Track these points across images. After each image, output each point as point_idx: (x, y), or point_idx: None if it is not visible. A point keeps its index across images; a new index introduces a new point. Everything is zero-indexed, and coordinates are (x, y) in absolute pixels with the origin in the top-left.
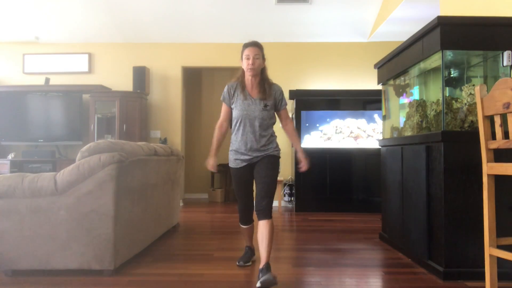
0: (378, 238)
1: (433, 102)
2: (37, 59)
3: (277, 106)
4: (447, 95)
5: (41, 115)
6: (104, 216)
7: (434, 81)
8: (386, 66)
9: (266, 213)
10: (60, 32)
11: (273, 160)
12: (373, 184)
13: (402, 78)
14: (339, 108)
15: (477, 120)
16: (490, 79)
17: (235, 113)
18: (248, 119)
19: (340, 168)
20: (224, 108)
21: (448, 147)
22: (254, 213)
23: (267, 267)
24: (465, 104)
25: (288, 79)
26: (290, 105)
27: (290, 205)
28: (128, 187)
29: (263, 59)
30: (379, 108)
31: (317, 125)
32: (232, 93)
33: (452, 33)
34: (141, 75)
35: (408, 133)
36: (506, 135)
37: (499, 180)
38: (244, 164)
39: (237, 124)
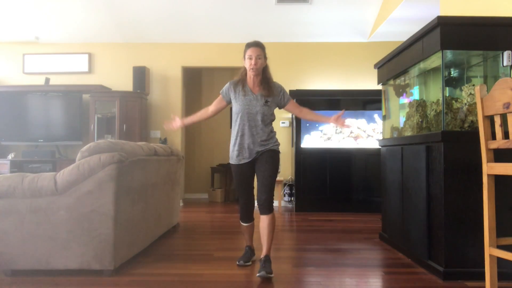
0: (378, 238)
1: (433, 102)
2: (37, 59)
3: (281, 102)
4: (447, 95)
5: (41, 115)
6: (104, 216)
7: (434, 81)
8: (386, 66)
9: (267, 208)
10: (60, 32)
11: (274, 155)
12: (373, 184)
13: (402, 78)
14: (339, 108)
15: (477, 120)
16: (490, 79)
17: (235, 108)
18: (249, 113)
19: (340, 168)
20: (218, 99)
21: (448, 147)
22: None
23: (266, 259)
24: (465, 104)
25: (288, 79)
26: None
27: (290, 205)
28: (128, 187)
29: (265, 58)
30: (379, 108)
31: (317, 125)
32: (234, 89)
33: (452, 33)
34: (141, 75)
35: (408, 133)
36: (506, 135)
37: (499, 180)
38: (246, 161)
39: (237, 120)
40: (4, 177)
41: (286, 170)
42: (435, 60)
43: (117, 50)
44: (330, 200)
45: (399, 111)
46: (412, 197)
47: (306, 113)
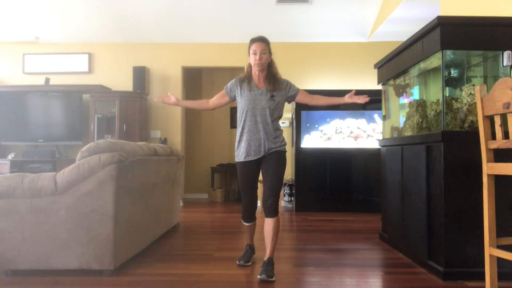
0: (378, 238)
1: (433, 102)
2: (37, 59)
3: (289, 94)
4: (447, 95)
5: (41, 115)
6: (104, 216)
7: (434, 81)
8: (386, 66)
9: (273, 211)
10: (60, 32)
11: (281, 157)
12: (373, 184)
13: (402, 78)
14: (339, 108)
15: (477, 120)
16: (490, 79)
17: (241, 104)
18: (255, 109)
19: (340, 168)
20: (221, 94)
21: (448, 147)
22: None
23: (269, 262)
24: (465, 104)
25: (288, 79)
26: (291, 105)
27: (290, 205)
28: (128, 187)
29: (270, 54)
30: (379, 108)
31: (317, 125)
32: (239, 85)
33: (452, 33)
34: (141, 75)
35: (408, 133)
36: (506, 135)
37: (499, 180)
38: (252, 158)
39: (243, 116)
40: (4, 177)
41: (286, 170)
42: (435, 60)
43: (117, 50)
44: (330, 200)
45: (399, 111)
46: (412, 197)
47: (318, 99)
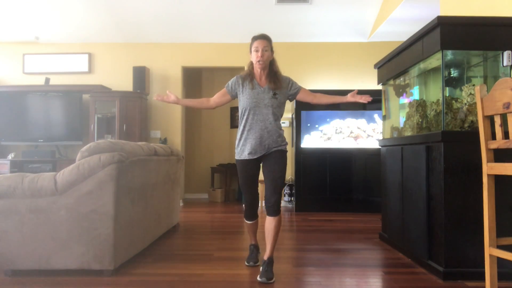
0: (378, 238)
1: (433, 102)
2: (37, 59)
3: (291, 93)
4: (447, 95)
5: (41, 115)
6: (104, 216)
7: (434, 81)
8: (386, 66)
9: (275, 210)
10: (60, 32)
11: (283, 156)
12: (373, 184)
13: (402, 78)
14: (339, 108)
15: (477, 120)
16: (490, 79)
17: (242, 103)
18: (257, 107)
19: (340, 168)
20: (222, 92)
21: (448, 147)
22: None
23: (269, 262)
24: (465, 104)
25: None
26: (290, 105)
27: (290, 205)
28: (128, 187)
29: (272, 51)
30: (379, 108)
31: (317, 125)
32: (241, 83)
33: (452, 33)
34: (141, 75)
35: (408, 133)
36: (506, 135)
37: (499, 180)
38: (253, 156)
39: (245, 114)
40: (4, 177)
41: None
42: (435, 60)
43: (117, 50)
44: (330, 200)
45: (399, 111)
46: (412, 197)
47: (320, 98)
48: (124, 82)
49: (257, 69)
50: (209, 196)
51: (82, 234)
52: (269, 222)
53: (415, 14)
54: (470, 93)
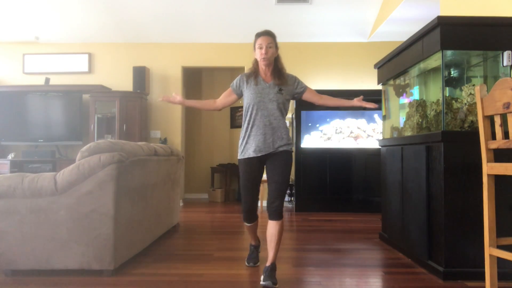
0: (378, 238)
1: (433, 102)
2: (37, 59)
3: (297, 91)
4: (447, 95)
5: (41, 115)
6: (104, 216)
7: (434, 81)
8: (386, 66)
9: (278, 214)
10: (60, 32)
11: (288, 157)
12: (373, 184)
13: (402, 78)
14: (339, 108)
15: (477, 120)
16: (490, 79)
17: (247, 99)
18: (262, 102)
19: (340, 168)
20: (228, 92)
21: (448, 147)
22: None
23: (272, 268)
24: (465, 104)
25: None
26: (290, 105)
27: (290, 205)
28: (128, 187)
29: (276, 48)
30: (379, 108)
31: (317, 125)
32: (246, 80)
33: (452, 33)
34: (141, 75)
35: (408, 133)
36: (506, 135)
37: (499, 180)
38: (256, 154)
39: (249, 110)
40: (4, 177)
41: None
42: (435, 60)
43: (117, 50)
44: (330, 200)
45: (399, 111)
46: (412, 197)
47: (327, 100)
48: (124, 82)
49: (262, 67)
50: (209, 196)
51: (82, 234)
52: (272, 227)
53: (415, 14)
54: (470, 93)
